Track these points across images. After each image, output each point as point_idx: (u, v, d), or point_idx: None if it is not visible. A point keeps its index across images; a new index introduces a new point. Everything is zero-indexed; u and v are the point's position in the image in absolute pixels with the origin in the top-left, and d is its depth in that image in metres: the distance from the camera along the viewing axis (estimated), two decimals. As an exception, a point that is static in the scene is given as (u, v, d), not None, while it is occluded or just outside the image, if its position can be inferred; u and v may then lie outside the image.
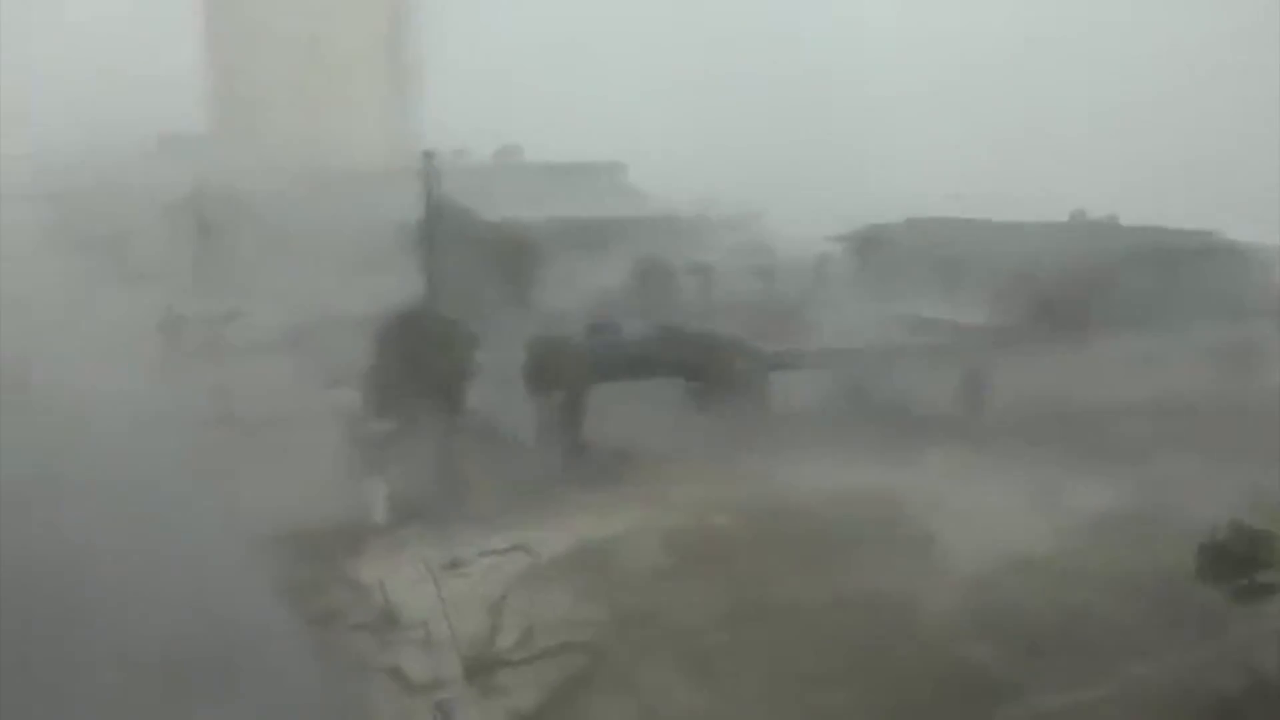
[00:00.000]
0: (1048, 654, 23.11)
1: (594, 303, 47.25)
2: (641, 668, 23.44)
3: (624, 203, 74.76)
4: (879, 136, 77.22)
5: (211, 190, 60.10)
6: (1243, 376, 39.05)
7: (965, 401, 38.83)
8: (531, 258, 50.20)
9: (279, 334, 52.48)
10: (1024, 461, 33.83)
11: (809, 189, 67.93)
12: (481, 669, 24.03)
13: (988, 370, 39.54)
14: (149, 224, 73.39)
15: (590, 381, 34.81)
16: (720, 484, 31.95)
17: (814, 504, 29.72)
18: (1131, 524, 28.90)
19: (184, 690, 23.09)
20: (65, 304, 54.84)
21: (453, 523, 30.84)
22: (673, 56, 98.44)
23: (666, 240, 58.72)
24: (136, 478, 34.47)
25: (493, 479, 32.68)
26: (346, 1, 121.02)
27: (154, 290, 58.15)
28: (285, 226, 69.22)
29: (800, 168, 72.90)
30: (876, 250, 54.72)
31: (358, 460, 34.52)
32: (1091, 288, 43.51)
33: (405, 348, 34.42)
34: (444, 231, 40.57)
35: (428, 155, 35.21)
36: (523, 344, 36.75)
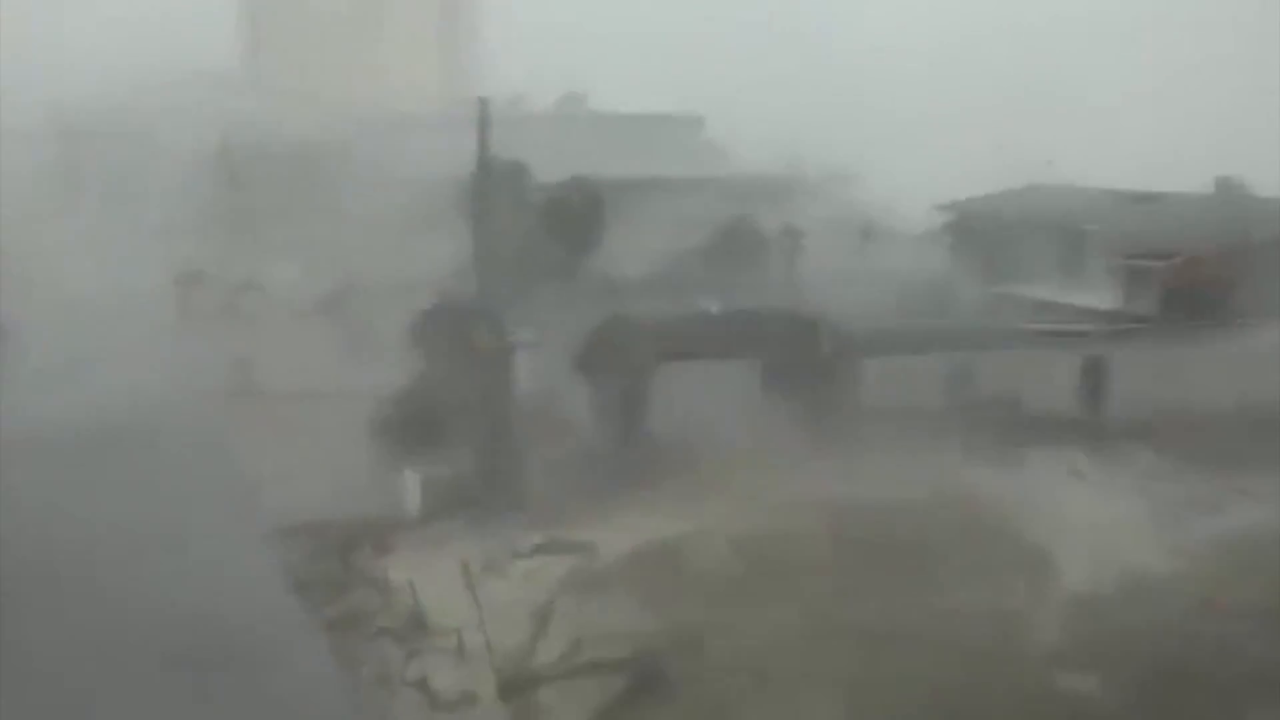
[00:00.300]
0: (1167, 691, 22.69)
1: (666, 274, 47.16)
2: (704, 689, 23.31)
3: (702, 160, 74.47)
4: (992, 91, 76.37)
5: (242, 136, 60.63)
6: None
7: (1084, 398, 38.30)
8: (596, 221, 50.11)
9: (309, 299, 53.07)
10: (1150, 469, 33.56)
11: (911, 150, 67.25)
12: (520, 685, 24.01)
13: (1112, 363, 38.90)
14: (171, 171, 74.43)
15: (655, 364, 34.65)
16: (799, 482, 31.62)
17: (906, 509, 29.38)
18: (1273, 545, 28.40)
19: (186, 695, 23.32)
20: (71, 258, 55.76)
21: (495, 518, 30.93)
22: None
23: (750, 203, 58.38)
24: (142, 453, 34.95)
25: (542, 470, 32.70)
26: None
27: (174, 245, 58.94)
28: (322, 178, 69.89)
29: (901, 126, 72.29)
30: (990, 221, 54.09)
31: (391, 444, 34.79)
32: (1238, 270, 42.67)
33: (449, 321, 34.50)
34: (497, 189, 40.70)
35: (482, 102, 35.09)
36: (582, 319, 36.72)
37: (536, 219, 47.27)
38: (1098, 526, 29.57)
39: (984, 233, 53.19)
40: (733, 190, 60.70)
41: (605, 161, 61.35)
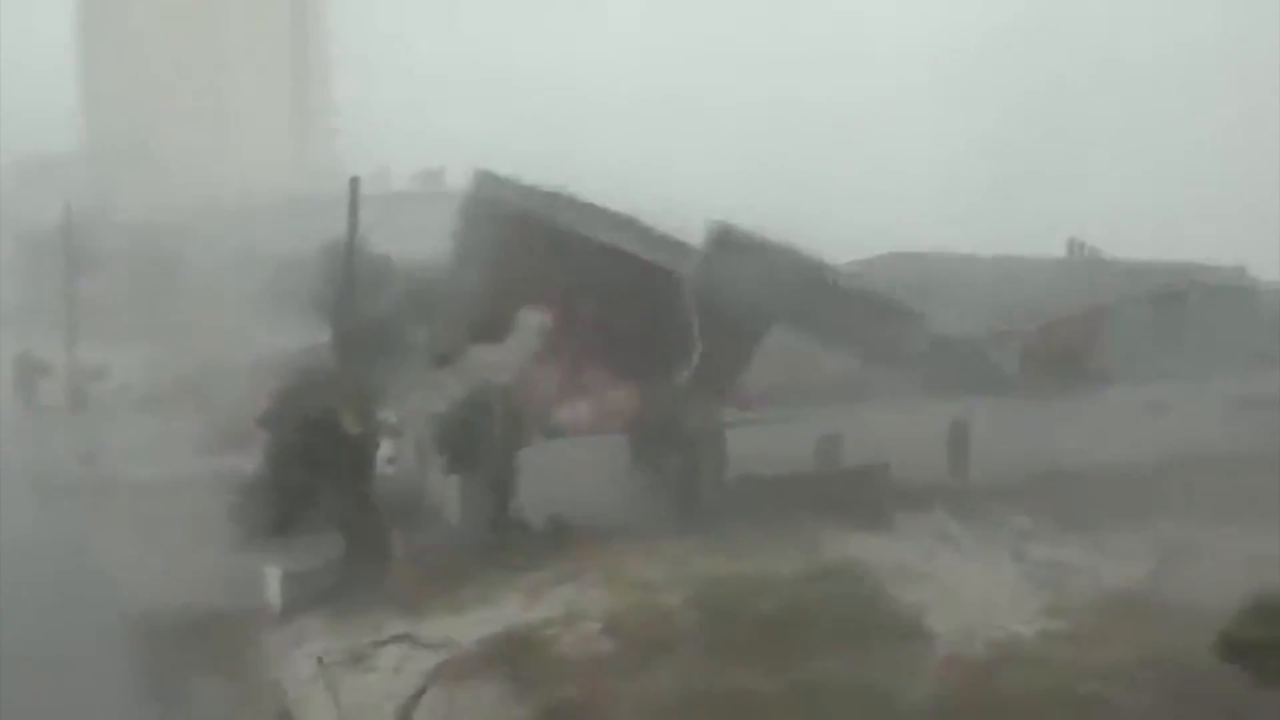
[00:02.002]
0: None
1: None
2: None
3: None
4: (853, 163, 78.23)
5: (83, 218, 59.36)
6: (1265, 430, 39.44)
7: (950, 460, 38.93)
8: (459, 300, 49.67)
9: (159, 386, 52.02)
10: (1018, 530, 34.02)
11: (776, 220, 68.10)
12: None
13: (976, 426, 39.64)
14: (10, 256, 72.69)
15: (521, 443, 34.52)
16: (670, 558, 31.72)
17: (777, 579, 29.56)
18: (1140, 600, 29.07)
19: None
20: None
21: (361, 610, 30.46)
22: (624, 73, 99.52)
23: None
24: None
25: (408, 558, 32.29)
26: (248, 3, 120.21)
27: (10, 334, 57.44)
28: (169, 261, 68.79)
29: (766, 196, 73.27)
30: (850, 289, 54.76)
31: (250, 535, 34.08)
32: (1091, 331, 43.91)
33: (307, 406, 33.97)
34: (353, 269, 40.29)
35: (354, 182, 34.91)
36: (445, 401, 36.41)
37: (398, 299, 46.76)
38: (969, 590, 30.05)
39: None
40: None
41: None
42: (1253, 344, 43.37)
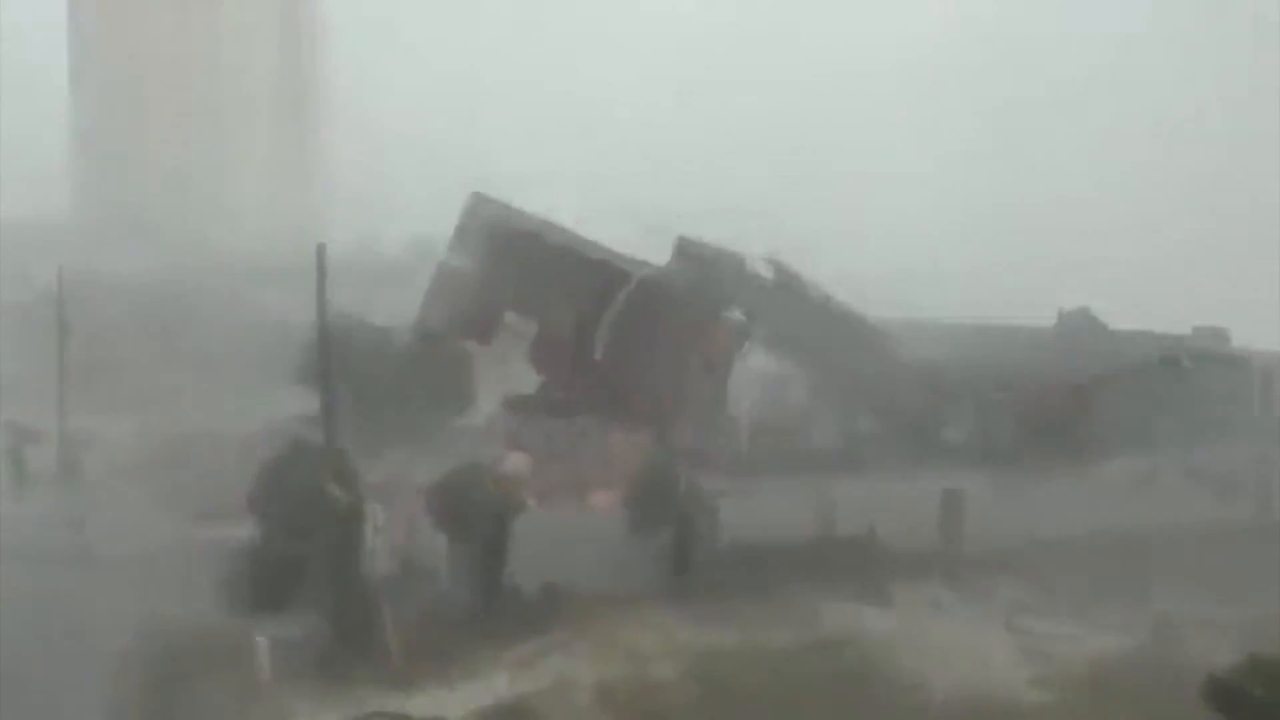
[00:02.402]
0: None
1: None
2: None
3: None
4: (833, 223, 78.67)
5: (74, 283, 59.57)
6: (1255, 501, 39.62)
7: (941, 530, 39.02)
8: (454, 369, 49.90)
9: (147, 455, 51.90)
10: (1012, 601, 34.25)
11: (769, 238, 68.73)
12: None
13: (968, 495, 39.75)
14: (-1, 321, 72.68)
15: (513, 511, 34.53)
16: (666, 626, 31.84)
17: (771, 652, 29.63)
18: (1132, 671, 29.07)
19: None
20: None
21: (349, 681, 30.09)
22: (610, 129, 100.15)
23: None
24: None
25: (398, 631, 32.03)
26: (236, 62, 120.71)
27: (1, 405, 57.35)
28: (159, 328, 68.87)
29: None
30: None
31: (239, 605, 33.92)
32: (1082, 402, 44.17)
33: (296, 477, 33.99)
34: (345, 337, 40.50)
35: (320, 249, 35.00)
36: (436, 469, 36.49)
37: (386, 368, 46.98)
38: (962, 660, 30.03)
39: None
40: None
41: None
42: (1241, 414, 43.67)
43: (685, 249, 45.15)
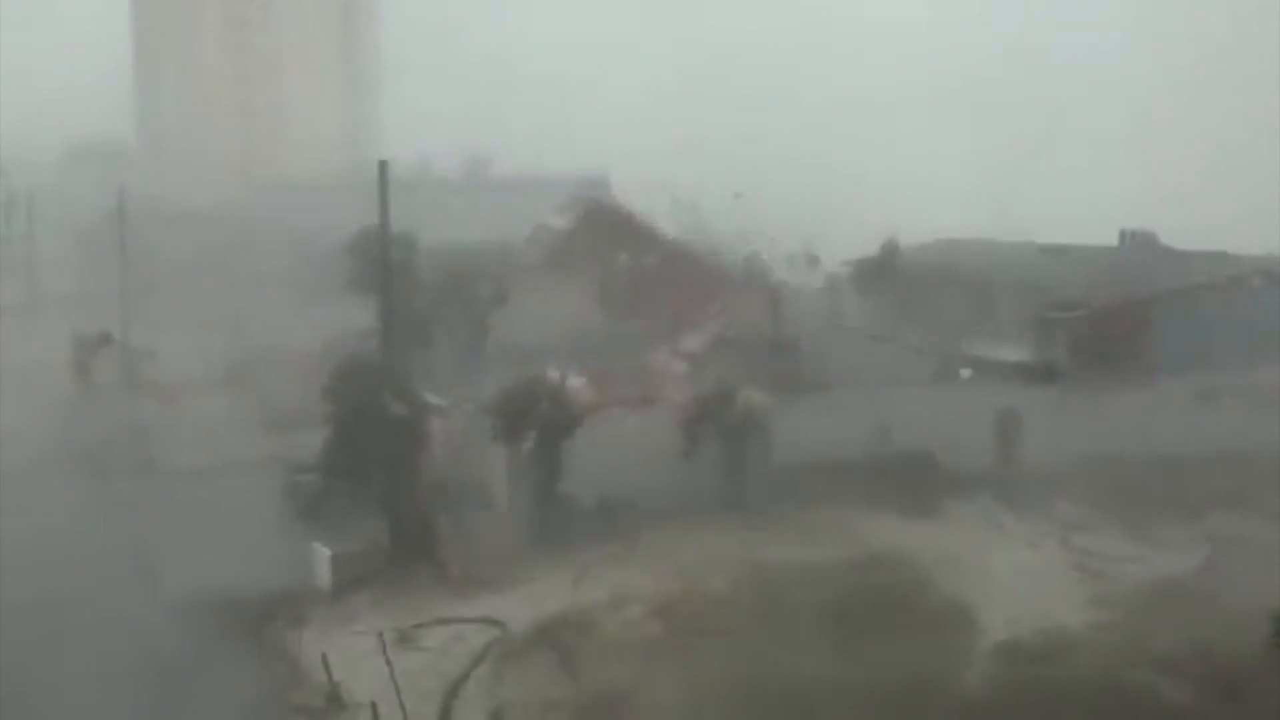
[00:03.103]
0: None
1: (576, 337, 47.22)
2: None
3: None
4: (882, 150, 77.82)
5: (133, 206, 60.08)
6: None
7: (998, 451, 38.84)
8: (501, 286, 50.20)
9: (209, 370, 52.42)
10: (1068, 520, 34.05)
11: (811, 209, 68.56)
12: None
13: (1025, 415, 39.55)
14: (60, 244, 73.45)
15: (568, 424, 34.67)
16: (720, 542, 31.87)
17: (825, 567, 29.58)
18: (1189, 591, 28.95)
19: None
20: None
21: (409, 590, 30.70)
22: (663, 64, 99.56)
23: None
24: (38, 532, 34.22)
25: (457, 539, 32.49)
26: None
27: (65, 318, 58.01)
28: (218, 248, 69.31)
29: (798, 186, 73.39)
30: (896, 277, 54.84)
31: (299, 516, 34.43)
32: (1145, 321, 43.63)
33: (354, 389, 34.27)
34: (401, 255, 40.60)
35: (382, 165, 35.02)
36: (491, 383, 36.67)
37: (442, 284, 47.20)
38: (1016, 579, 30.00)
39: (894, 287, 53.89)
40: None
41: (511, 224, 61.67)
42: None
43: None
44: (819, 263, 62.09)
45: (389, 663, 26.51)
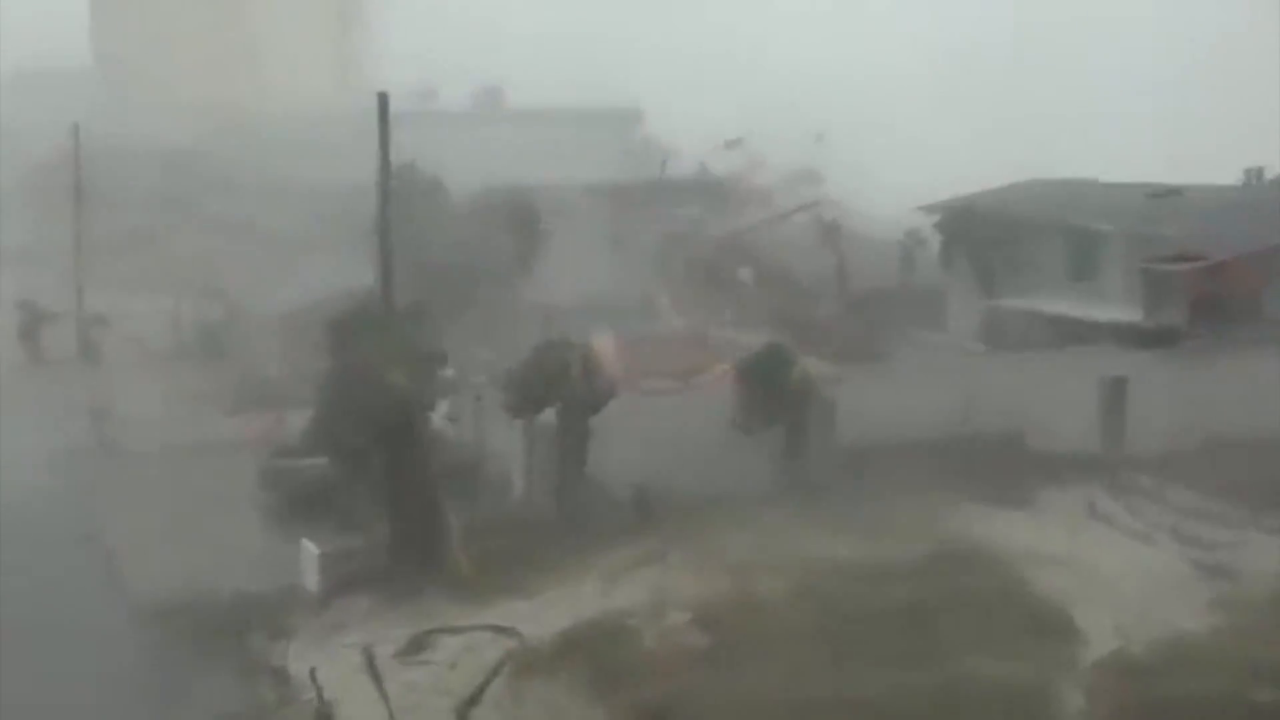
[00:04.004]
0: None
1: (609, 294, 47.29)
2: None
3: (643, 161, 74.81)
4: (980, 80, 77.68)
5: (90, 144, 60.06)
6: None
7: (1103, 429, 38.54)
8: (525, 235, 50.04)
9: (177, 336, 52.56)
10: (1184, 508, 33.86)
11: (877, 152, 68.48)
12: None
13: (1133, 386, 39.16)
14: (12, 183, 73.68)
15: (598, 399, 34.48)
16: (776, 536, 31.73)
17: (899, 567, 29.36)
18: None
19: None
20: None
21: (412, 593, 30.65)
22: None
23: (701, 211, 58.75)
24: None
25: (467, 533, 32.34)
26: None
27: (11, 276, 58.23)
28: (192, 189, 69.39)
29: (871, 120, 73.32)
30: (982, 225, 54.50)
31: (284, 508, 34.34)
32: (1269, 275, 43.27)
33: (349, 359, 34.18)
34: (406, 200, 40.47)
35: (381, 97, 34.88)
36: (509, 352, 36.57)
37: (452, 234, 47.07)
38: (1125, 579, 29.86)
39: (978, 236, 53.57)
40: (681, 195, 61.12)
41: (530, 164, 61.57)
42: None
43: None
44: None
45: (377, 679, 26.49)
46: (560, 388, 34.30)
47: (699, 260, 54.93)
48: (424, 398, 33.77)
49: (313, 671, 27.38)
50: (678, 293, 51.89)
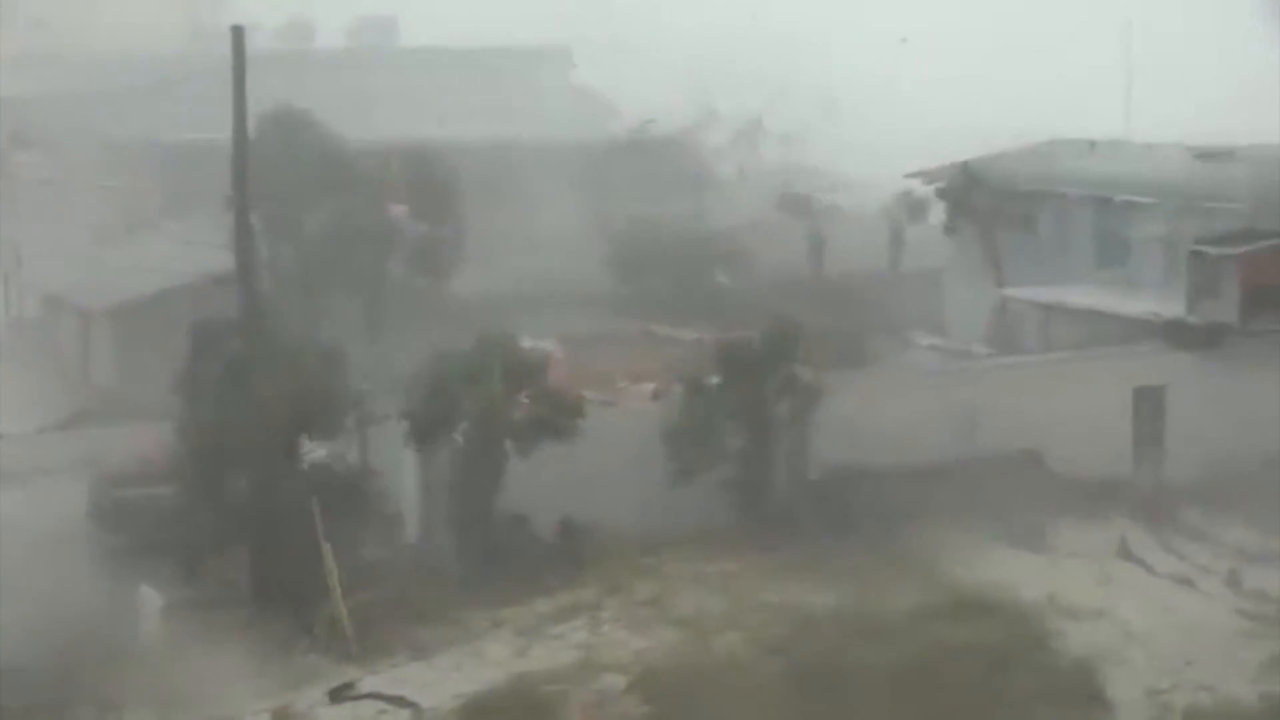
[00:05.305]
0: None
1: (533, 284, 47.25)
2: None
3: (574, 112, 74.79)
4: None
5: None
6: None
7: (1136, 449, 38.94)
8: (436, 204, 49.82)
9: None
10: (1234, 546, 34.36)
11: (847, 104, 68.97)
12: None
13: (1174, 395, 39.53)
14: None
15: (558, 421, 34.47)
16: (735, 581, 32.15)
17: (893, 617, 29.74)
18: None
19: None
20: None
21: (280, 654, 30.65)
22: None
23: (649, 173, 58.69)
24: None
25: (356, 581, 32.38)
26: None
27: None
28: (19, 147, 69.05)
29: (855, 69, 73.77)
30: (982, 196, 54.70)
31: (120, 547, 34.02)
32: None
33: (204, 361, 34.12)
34: (272, 158, 40.33)
35: (236, 31, 34.79)
36: (412, 357, 36.49)
37: (340, 205, 46.86)
38: (1163, 634, 30.25)
39: (984, 210, 53.76)
40: (627, 154, 61.07)
41: (436, 115, 61.48)
42: None
43: None
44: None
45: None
46: (473, 401, 34.25)
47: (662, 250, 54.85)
48: (296, 414, 33.69)
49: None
50: (629, 285, 51.85)
